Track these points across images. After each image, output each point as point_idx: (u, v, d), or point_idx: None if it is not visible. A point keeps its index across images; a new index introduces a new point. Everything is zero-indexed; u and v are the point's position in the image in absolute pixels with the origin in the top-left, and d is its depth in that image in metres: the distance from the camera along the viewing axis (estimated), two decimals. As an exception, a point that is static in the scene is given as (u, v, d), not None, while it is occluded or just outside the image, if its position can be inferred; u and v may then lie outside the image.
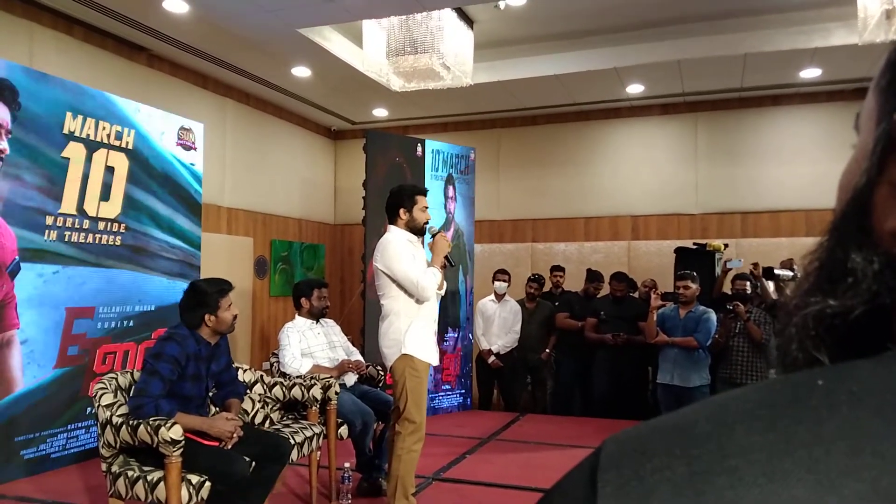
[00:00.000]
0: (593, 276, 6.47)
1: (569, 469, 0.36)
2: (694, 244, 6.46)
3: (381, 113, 8.28)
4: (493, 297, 6.37)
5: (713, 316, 5.08)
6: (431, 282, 3.27)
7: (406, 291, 3.28)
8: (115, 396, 2.92)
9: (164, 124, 5.30)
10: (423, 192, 3.48)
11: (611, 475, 0.32)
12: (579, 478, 0.34)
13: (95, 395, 2.89)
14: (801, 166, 7.24)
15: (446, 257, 3.39)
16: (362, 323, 6.08)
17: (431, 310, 3.40)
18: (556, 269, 6.82)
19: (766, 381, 0.35)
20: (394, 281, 3.29)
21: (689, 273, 5.19)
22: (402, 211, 3.40)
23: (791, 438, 0.30)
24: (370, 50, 5.54)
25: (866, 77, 5.80)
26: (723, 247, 6.39)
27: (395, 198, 3.45)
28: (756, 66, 6.44)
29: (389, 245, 3.33)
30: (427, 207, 3.45)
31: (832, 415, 0.31)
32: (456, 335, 6.45)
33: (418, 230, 3.43)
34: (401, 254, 3.28)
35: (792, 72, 6.65)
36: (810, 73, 6.66)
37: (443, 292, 3.50)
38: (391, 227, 3.45)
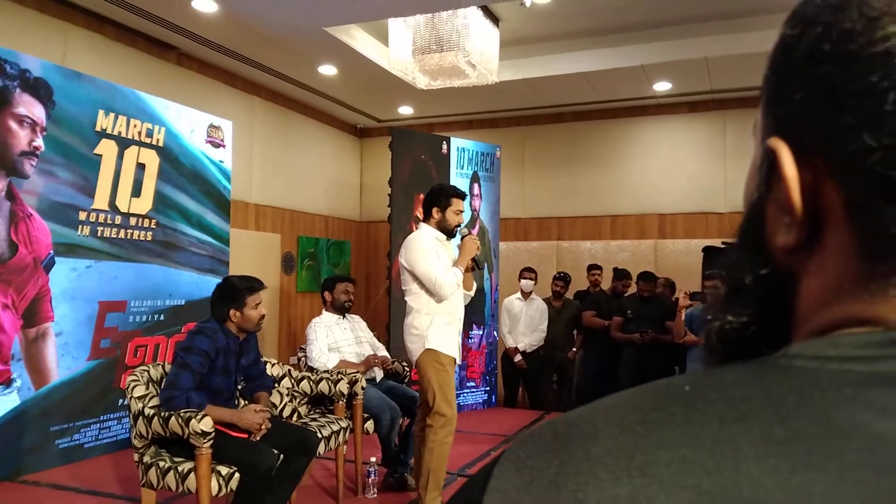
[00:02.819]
0: (621, 275, 6.43)
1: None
2: (723, 243, 6.39)
3: (406, 111, 8.31)
4: (519, 294, 6.37)
5: (741, 315, 5.02)
6: (451, 281, 3.29)
7: (427, 289, 3.32)
8: (147, 388, 2.98)
9: (193, 122, 5.38)
10: (461, 196, 3.48)
11: (502, 470, 0.35)
12: (481, 474, 0.37)
13: (128, 387, 2.95)
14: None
15: (473, 259, 3.40)
16: (387, 319, 6.12)
17: (456, 307, 3.41)
18: (594, 267, 6.77)
19: (647, 385, 0.38)
20: (416, 278, 3.32)
21: (718, 273, 5.12)
22: (435, 210, 3.43)
23: (640, 443, 0.32)
24: (396, 48, 5.56)
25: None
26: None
27: (431, 196, 3.48)
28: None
29: (414, 242, 3.37)
30: (461, 211, 3.46)
31: (684, 422, 0.33)
32: (481, 332, 6.46)
33: (449, 231, 3.45)
34: (424, 251, 3.31)
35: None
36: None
37: (472, 293, 3.52)
38: (421, 225, 3.49)
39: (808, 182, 0.37)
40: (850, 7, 0.35)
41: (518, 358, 6.21)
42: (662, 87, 7.13)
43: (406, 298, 3.43)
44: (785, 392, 0.33)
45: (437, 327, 3.31)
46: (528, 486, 0.33)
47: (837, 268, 0.36)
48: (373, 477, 3.83)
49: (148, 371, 3.07)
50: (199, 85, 6.45)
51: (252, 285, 3.09)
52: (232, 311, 3.02)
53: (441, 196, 3.44)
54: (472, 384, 6.45)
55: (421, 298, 3.34)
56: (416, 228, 3.54)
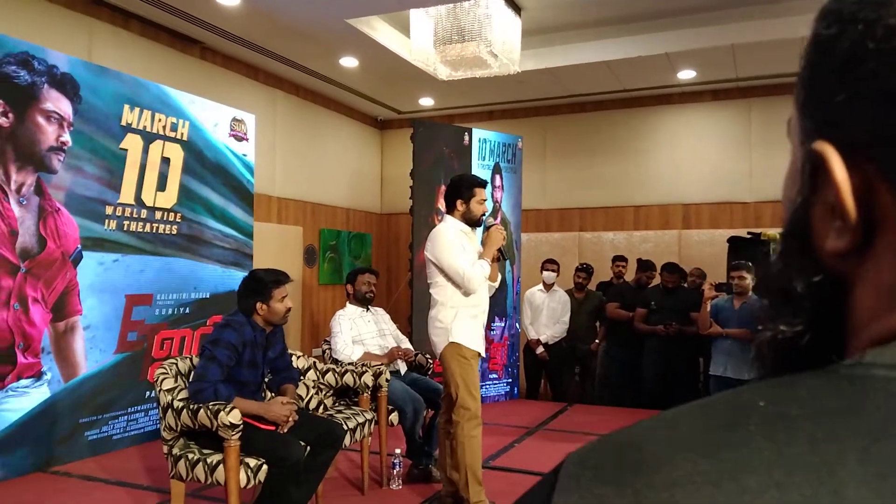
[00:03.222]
0: (645, 266, 6.37)
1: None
2: (748, 233, 6.31)
3: (427, 102, 8.29)
4: (541, 286, 6.34)
5: (769, 307, 4.96)
6: (479, 274, 3.27)
7: (453, 282, 3.30)
8: (176, 381, 3.00)
9: (216, 116, 5.40)
10: (483, 185, 3.46)
11: (565, 497, 0.33)
12: (538, 497, 0.34)
13: (157, 380, 2.98)
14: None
15: (499, 250, 3.38)
16: (410, 311, 6.12)
17: (481, 300, 3.39)
18: (619, 258, 6.73)
19: (714, 400, 0.36)
20: (442, 271, 3.31)
21: (745, 263, 5.08)
22: (459, 202, 3.41)
23: (725, 468, 0.30)
24: (417, 39, 5.54)
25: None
26: (778, 236, 6.21)
27: (453, 187, 3.46)
28: (814, 49, 6.23)
29: (440, 235, 3.35)
30: (485, 200, 3.44)
31: (768, 442, 0.31)
32: (503, 324, 6.44)
33: (474, 222, 3.44)
34: (450, 244, 3.29)
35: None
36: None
37: (497, 284, 3.49)
38: (446, 217, 3.47)
39: (858, 185, 0.36)
40: (894, 3, 0.34)
41: (540, 350, 6.20)
42: (686, 75, 7.04)
43: (431, 291, 3.42)
44: (871, 406, 0.31)
45: (461, 321, 3.29)
46: None
47: (894, 272, 0.35)
48: (397, 468, 3.84)
49: (176, 364, 3.10)
50: (221, 79, 6.48)
51: (278, 278, 3.10)
52: (258, 305, 3.04)
53: (463, 187, 3.41)
54: (495, 376, 6.44)
55: (446, 291, 3.33)
56: (440, 221, 3.53)
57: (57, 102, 4.20)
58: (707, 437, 0.32)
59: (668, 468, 0.31)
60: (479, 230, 3.54)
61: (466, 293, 3.30)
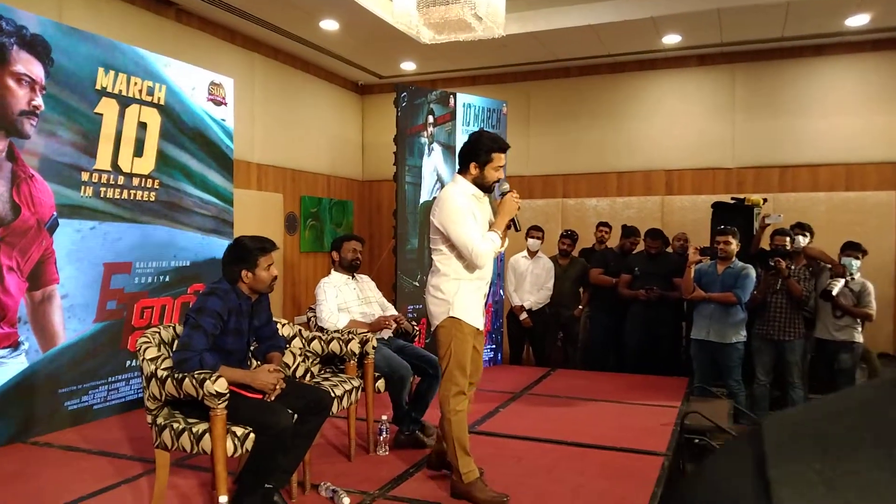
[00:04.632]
0: (629, 232, 6.38)
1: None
2: (732, 199, 6.33)
3: (409, 66, 8.15)
4: (525, 253, 6.33)
5: (752, 272, 5.00)
6: (488, 249, 3.04)
7: (458, 253, 3.10)
8: (159, 350, 2.95)
9: (194, 80, 5.25)
10: (503, 149, 3.14)
11: (786, 471, 0.30)
12: (743, 470, 0.31)
13: (139, 349, 2.92)
14: (843, 119, 7.01)
15: (512, 220, 3.14)
16: (394, 279, 6.09)
17: (486, 272, 3.20)
18: (603, 224, 6.75)
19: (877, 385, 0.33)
20: (448, 240, 3.10)
21: (731, 229, 5.10)
22: (472, 164, 3.12)
23: None
24: (400, 1, 5.40)
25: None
26: (761, 201, 6.24)
27: (469, 147, 3.15)
28: (799, 14, 6.19)
29: (448, 201, 3.09)
30: (502, 166, 3.14)
31: None
32: (488, 291, 6.43)
33: (486, 187, 3.17)
34: (460, 212, 3.04)
35: (838, 20, 6.39)
36: (857, 21, 6.39)
37: (503, 250, 3.35)
38: (457, 177, 3.20)
39: None
40: None
41: (524, 316, 6.20)
42: (671, 39, 6.98)
43: (434, 258, 3.20)
44: None
45: (464, 294, 3.11)
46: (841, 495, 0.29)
47: None
48: (384, 435, 3.84)
49: (159, 332, 3.04)
50: (198, 41, 6.31)
51: (264, 246, 3.04)
52: (244, 272, 2.98)
53: (482, 150, 3.10)
54: (479, 343, 6.45)
55: (451, 262, 3.12)
56: (452, 181, 3.25)
57: (28, 65, 4.05)
58: None
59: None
60: (493, 194, 3.27)
61: (472, 267, 3.13)
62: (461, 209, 3.05)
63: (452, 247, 3.09)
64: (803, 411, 0.32)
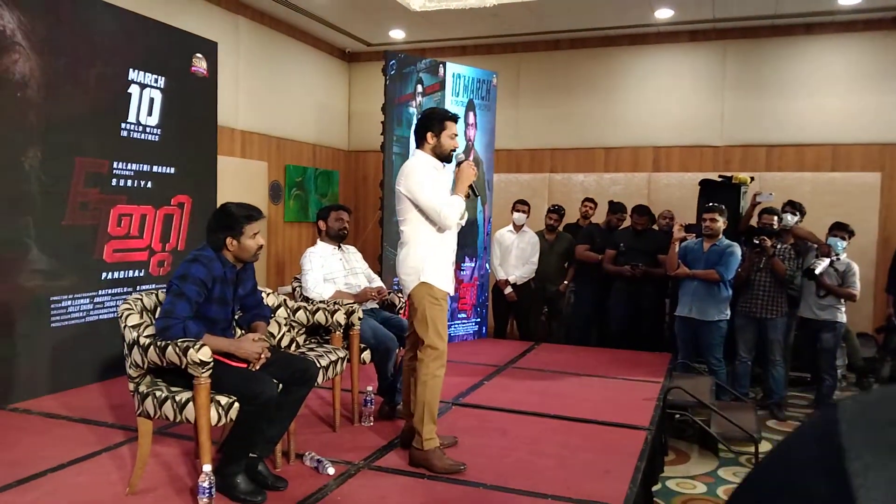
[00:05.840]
0: (616, 208, 6.37)
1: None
2: (720, 177, 6.33)
3: (398, 35, 8.02)
4: (511, 227, 6.30)
5: (738, 250, 5.01)
6: (455, 211, 3.21)
7: (428, 219, 3.22)
8: (141, 317, 2.89)
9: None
10: (454, 119, 3.34)
11: (866, 463, 0.27)
12: (813, 458, 0.29)
13: (121, 316, 2.86)
14: (831, 99, 7.01)
15: (470, 187, 3.30)
16: (380, 250, 6.05)
17: (451, 239, 3.34)
18: (588, 200, 6.75)
19: None
20: (416, 207, 3.22)
21: (718, 206, 5.10)
22: (429, 135, 3.30)
23: None
24: (391, -34, 5.30)
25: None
26: (749, 180, 6.25)
27: (424, 121, 3.34)
28: (793, -10, 6.15)
29: (414, 171, 3.25)
30: (456, 135, 3.34)
31: None
32: (473, 265, 6.41)
33: (445, 157, 3.34)
34: (425, 180, 3.20)
35: (831, -3, 6.35)
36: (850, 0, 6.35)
37: (464, 222, 3.42)
38: (416, 152, 3.37)
39: None
40: None
41: (508, 290, 6.20)
42: (664, 14, 6.91)
43: (402, 228, 3.32)
44: None
45: (432, 260, 3.24)
46: None
47: None
48: (369, 406, 3.83)
49: (142, 299, 2.98)
50: (181, 3, 6.13)
51: (251, 213, 2.98)
52: (229, 240, 2.91)
53: (434, 120, 3.30)
54: (464, 315, 6.44)
55: (418, 229, 3.25)
56: (412, 155, 3.41)
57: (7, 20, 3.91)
58: None
59: None
60: (450, 167, 3.45)
61: (441, 229, 3.24)
62: (427, 175, 3.22)
63: (420, 213, 3.23)
64: (881, 397, 0.29)
